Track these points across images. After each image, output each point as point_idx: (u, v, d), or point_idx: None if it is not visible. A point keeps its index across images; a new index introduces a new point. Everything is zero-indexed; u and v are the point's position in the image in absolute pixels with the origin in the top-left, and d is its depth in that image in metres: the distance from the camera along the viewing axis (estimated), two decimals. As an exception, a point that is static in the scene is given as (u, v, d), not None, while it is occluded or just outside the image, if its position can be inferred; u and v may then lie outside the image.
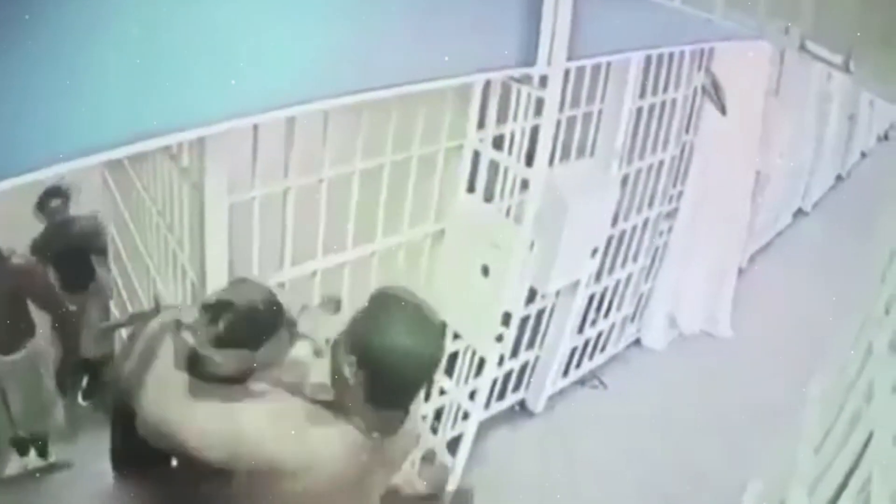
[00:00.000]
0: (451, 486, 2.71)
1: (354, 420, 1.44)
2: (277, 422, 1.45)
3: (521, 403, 3.70)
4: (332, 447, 1.44)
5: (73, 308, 3.45)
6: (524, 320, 3.37)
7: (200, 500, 1.57)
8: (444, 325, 1.45)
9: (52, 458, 3.31)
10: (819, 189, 6.42)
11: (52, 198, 3.55)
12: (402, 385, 1.42)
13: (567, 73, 2.72)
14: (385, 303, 1.42)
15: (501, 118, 2.88)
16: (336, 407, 1.46)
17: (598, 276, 3.67)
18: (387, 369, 1.36)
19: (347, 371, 1.39)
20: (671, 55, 3.37)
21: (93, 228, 3.76)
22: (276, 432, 1.43)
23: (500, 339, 2.82)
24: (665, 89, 3.49)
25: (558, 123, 2.88)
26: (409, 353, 1.36)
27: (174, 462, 1.63)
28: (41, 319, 3.16)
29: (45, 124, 1.45)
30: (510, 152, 2.87)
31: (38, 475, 3.19)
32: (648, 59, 3.23)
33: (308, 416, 1.45)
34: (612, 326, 4.03)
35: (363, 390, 1.39)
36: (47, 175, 1.47)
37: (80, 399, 3.77)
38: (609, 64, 3.09)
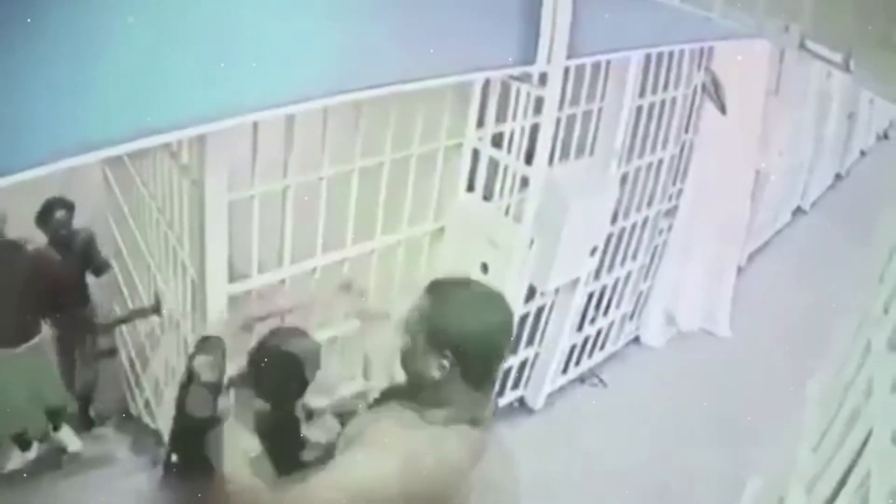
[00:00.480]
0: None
1: (459, 417, 1.40)
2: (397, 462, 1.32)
3: (521, 401, 3.71)
4: (458, 454, 1.38)
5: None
6: (523, 318, 3.37)
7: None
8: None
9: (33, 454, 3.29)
10: (818, 188, 6.42)
11: (56, 209, 3.43)
12: (498, 356, 1.45)
13: (567, 71, 2.72)
14: (451, 290, 1.43)
15: (501, 116, 2.88)
16: (431, 406, 1.42)
17: (598, 274, 3.67)
18: (483, 347, 1.39)
19: (438, 368, 1.37)
20: (671, 54, 3.37)
21: (92, 242, 3.65)
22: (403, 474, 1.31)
23: (499, 336, 2.82)
24: (665, 88, 3.49)
25: (558, 122, 2.88)
26: (499, 324, 1.41)
27: None
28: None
29: (46, 121, 1.45)
30: (510, 151, 2.88)
31: (29, 473, 3.19)
32: (648, 58, 3.23)
33: (415, 439, 1.37)
34: (612, 324, 4.03)
35: (457, 379, 1.38)
36: (50, 171, 1.47)
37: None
38: (609, 62, 3.09)
